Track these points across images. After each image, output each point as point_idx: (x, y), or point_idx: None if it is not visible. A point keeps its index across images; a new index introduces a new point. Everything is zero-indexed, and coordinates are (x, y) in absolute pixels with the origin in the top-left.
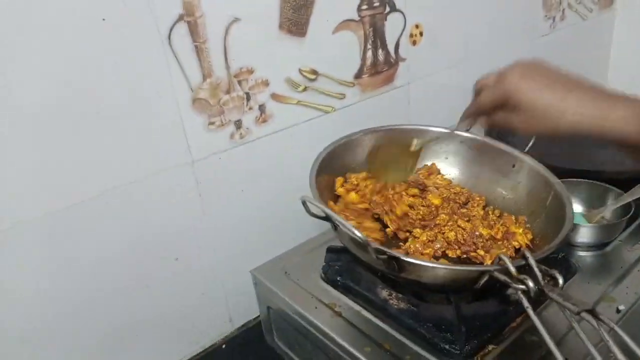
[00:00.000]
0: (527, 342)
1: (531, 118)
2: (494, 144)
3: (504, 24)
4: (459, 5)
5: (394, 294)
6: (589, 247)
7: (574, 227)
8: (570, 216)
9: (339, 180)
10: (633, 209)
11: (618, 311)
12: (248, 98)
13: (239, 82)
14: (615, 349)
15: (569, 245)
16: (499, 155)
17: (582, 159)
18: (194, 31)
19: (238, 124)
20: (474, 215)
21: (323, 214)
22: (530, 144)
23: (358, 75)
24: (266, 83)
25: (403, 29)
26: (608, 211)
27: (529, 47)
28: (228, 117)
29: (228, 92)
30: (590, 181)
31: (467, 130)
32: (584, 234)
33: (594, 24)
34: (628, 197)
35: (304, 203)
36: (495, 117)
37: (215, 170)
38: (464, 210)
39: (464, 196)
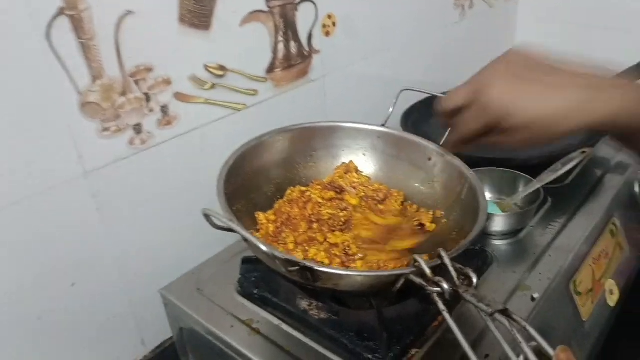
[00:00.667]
0: (450, 341)
1: (523, 133)
2: (409, 138)
3: (417, 12)
4: None
5: (314, 304)
6: (503, 235)
7: (488, 217)
8: (485, 210)
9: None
10: (542, 194)
11: (533, 299)
12: (148, 99)
13: (136, 82)
14: (527, 349)
15: (484, 235)
16: (415, 149)
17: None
18: (78, 27)
19: (138, 129)
20: (390, 211)
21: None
22: (446, 135)
23: (270, 70)
24: (168, 82)
25: (315, 20)
26: (519, 198)
27: (442, 34)
28: (126, 121)
29: (124, 93)
30: (501, 169)
31: (383, 125)
32: (498, 223)
33: (500, 12)
34: (537, 184)
35: (206, 217)
36: (484, 141)
37: (114, 181)
38: (382, 207)
39: (382, 193)
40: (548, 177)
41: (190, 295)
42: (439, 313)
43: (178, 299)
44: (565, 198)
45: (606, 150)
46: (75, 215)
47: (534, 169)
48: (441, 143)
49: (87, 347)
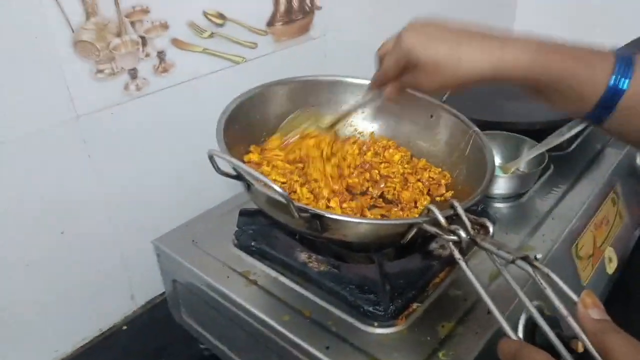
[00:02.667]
0: (451, 297)
1: (433, 74)
2: (411, 95)
3: None
4: None
5: (313, 257)
6: (504, 198)
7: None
8: (492, 161)
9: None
10: (547, 159)
11: (536, 259)
12: (144, 43)
13: (132, 24)
14: (552, 295)
15: (485, 197)
16: (417, 106)
17: (496, 111)
18: None
19: (133, 73)
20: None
21: (234, 172)
22: (447, 93)
23: (271, 23)
24: (165, 26)
25: None
26: (522, 162)
27: (445, 3)
28: (120, 64)
29: (119, 34)
30: (505, 132)
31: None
32: (500, 185)
33: None
34: (542, 147)
35: (211, 158)
36: (402, 81)
37: (107, 127)
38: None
39: (391, 148)
40: (553, 140)
41: (184, 247)
42: (441, 270)
43: (172, 250)
44: (567, 165)
45: None
46: (65, 160)
47: (538, 133)
48: (370, 83)
49: (76, 300)
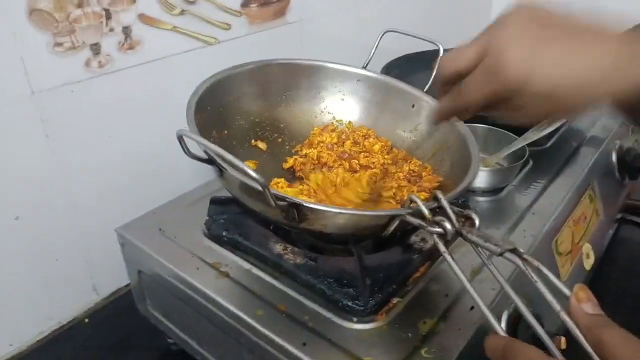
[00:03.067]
0: (432, 292)
1: (549, 106)
2: (392, 83)
3: None
4: None
5: (289, 248)
6: (484, 192)
7: None
8: (476, 155)
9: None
10: (527, 153)
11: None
12: (108, 16)
13: None
14: (544, 289)
15: (467, 190)
16: (398, 95)
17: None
18: None
19: (96, 49)
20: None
21: (205, 155)
22: (430, 82)
23: (245, 4)
24: (132, 0)
25: None
26: (502, 156)
27: None
28: (81, 38)
29: (80, 5)
30: (485, 126)
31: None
32: (481, 179)
33: None
34: (522, 142)
35: (180, 139)
36: (488, 113)
37: (67, 106)
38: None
39: (371, 138)
40: (533, 135)
41: (150, 236)
42: (422, 263)
43: (137, 239)
44: (546, 161)
45: (583, 122)
46: (20, 140)
47: (518, 128)
48: (434, 113)
49: (32, 291)
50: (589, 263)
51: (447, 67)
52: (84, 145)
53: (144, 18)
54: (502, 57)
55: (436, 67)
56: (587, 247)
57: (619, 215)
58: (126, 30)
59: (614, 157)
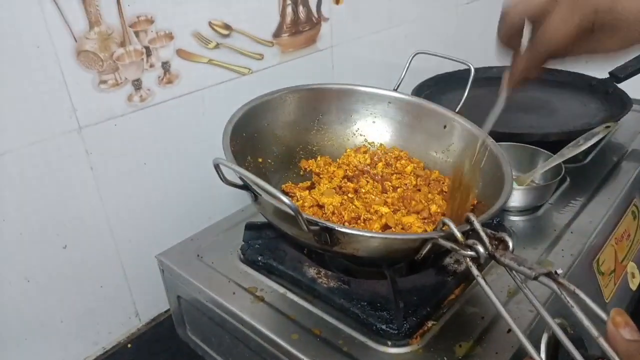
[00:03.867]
0: (468, 315)
1: (635, 33)
2: (423, 104)
3: None
4: None
5: (322, 272)
6: (520, 211)
7: None
8: (510, 173)
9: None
10: (563, 171)
11: (557, 274)
12: (148, 53)
13: (136, 34)
14: (581, 314)
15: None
16: (429, 116)
17: (509, 122)
18: None
19: (137, 84)
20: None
21: (240, 181)
22: (461, 103)
23: (277, 34)
24: (170, 36)
25: None
26: (538, 174)
27: (454, 14)
28: (124, 75)
29: (123, 44)
30: (519, 144)
31: (394, 90)
32: (516, 198)
33: None
34: (558, 159)
35: (217, 167)
36: (574, 51)
37: (110, 139)
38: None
39: (403, 160)
40: (570, 151)
41: (189, 262)
42: (456, 286)
43: (176, 265)
44: (584, 178)
45: (623, 136)
46: (67, 172)
47: (553, 144)
48: (508, 79)
49: (78, 318)
50: (635, 283)
51: (516, 12)
52: (125, 176)
53: (181, 53)
54: None
55: (500, 16)
56: (632, 266)
57: None
58: (165, 66)
59: None
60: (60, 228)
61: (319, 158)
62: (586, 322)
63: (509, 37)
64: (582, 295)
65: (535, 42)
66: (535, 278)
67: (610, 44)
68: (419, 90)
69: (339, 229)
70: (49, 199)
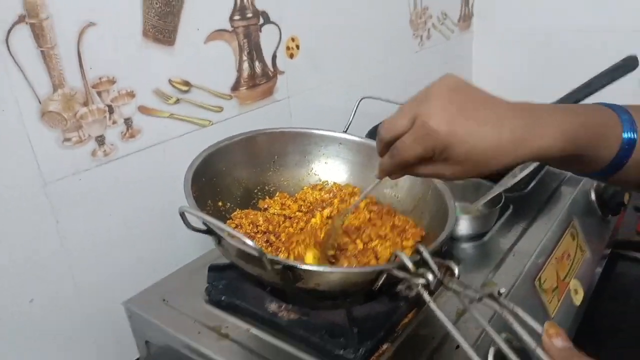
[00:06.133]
0: (420, 336)
1: (470, 165)
2: (372, 144)
3: (381, 40)
4: (336, 20)
5: (283, 306)
6: (467, 238)
7: None
8: (453, 207)
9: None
10: (503, 199)
11: (499, 294)
12: (111, 111)
13: (99, 94)
14: (519, 329)
15: (450, 238)
16: (376, 154)
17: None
18: (39, 35)
19: (100, 140)
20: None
21: (204, 226)
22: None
23: (235, 88)
24: (132, 94)
25: (279, 42)
26: (481, 203)
27: (405, 61)
28: (88, 132)
29: (86, 104)
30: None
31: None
32: (463, 226)
33: (456, 43)
34: (498, 189)
35: (182, 214)
36: (419, 170)
37: (75, 193)
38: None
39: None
40: (508, 181)
41: (155, 306)
42: (409, 310)
43: (142, 310)
44: (525, 204)
45: None
46: (32, 227)
47: (494, 176)
48: (377, 170)
49: None
50: (577, 299)
51: (387, 131)
52: (90, 227)
53: (143, 109)
54: (429, 124)
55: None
56: (574, 283)
57: (607, 251)
58: (127, 121)
59: (592, 195)
60: (27, 282)
61: (277, 194)
62: (525, 336)
63: (384, 147)
64: (521, 313)
65: (391, 154)
66: (479, 300)
67: (449, 173)
68: (372, 133)
69: (301, 266)
70: (15, 253)
